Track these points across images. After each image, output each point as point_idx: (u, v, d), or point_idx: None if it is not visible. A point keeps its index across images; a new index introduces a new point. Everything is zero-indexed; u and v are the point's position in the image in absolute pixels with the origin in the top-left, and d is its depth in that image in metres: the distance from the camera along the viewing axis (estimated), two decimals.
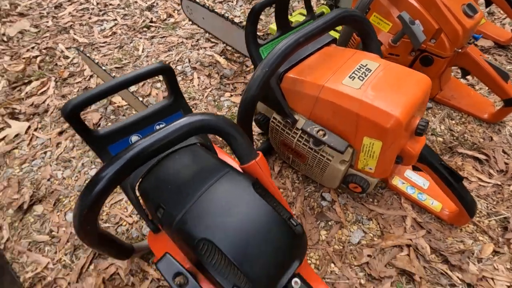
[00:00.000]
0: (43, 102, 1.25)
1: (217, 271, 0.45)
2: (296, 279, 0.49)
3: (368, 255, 0.79)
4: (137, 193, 0.58)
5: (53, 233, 0.88)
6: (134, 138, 0.60)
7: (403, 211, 0.86)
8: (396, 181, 0.90)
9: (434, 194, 0.86)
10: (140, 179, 0.58)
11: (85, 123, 0.55)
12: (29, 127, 1.16)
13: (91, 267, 0.81)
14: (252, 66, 1.21)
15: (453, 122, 1.09)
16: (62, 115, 0.53)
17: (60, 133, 1.13)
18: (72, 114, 0.52)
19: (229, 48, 1.40)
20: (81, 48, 1.48)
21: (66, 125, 1.15)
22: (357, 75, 0.69)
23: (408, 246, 0.79)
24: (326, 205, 0.89)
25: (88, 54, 1.39)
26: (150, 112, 0.62)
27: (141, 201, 0.58)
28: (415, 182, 0.89)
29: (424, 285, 0.73)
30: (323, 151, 0.77)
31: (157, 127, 0.64)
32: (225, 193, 0.50)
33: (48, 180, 1.00)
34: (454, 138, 1.03)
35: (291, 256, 0.49)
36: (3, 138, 1.13)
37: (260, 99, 0.73)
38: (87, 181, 0.99)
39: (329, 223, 0.86)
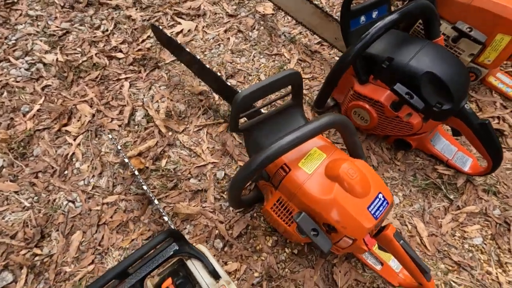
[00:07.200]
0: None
1: (429, 94, 0.85)
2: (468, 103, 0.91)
3: None
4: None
5: None
6: (374, 13, 0.96)
7: (493, 98, 1.25)
8: (491, 79, 1.27)
9: None
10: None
11: None
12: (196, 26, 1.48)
13: None
14: None
15: None
16: None
17: (225, 31, 1.46)
18: None
19: None
20: None
21: (229, 24, 1.47)
22: None
23: (498, 117, 1.20)
24: None
25: None
26: None
27: None
28: (506, 82, 1.26)
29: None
30: (457, 47, 1.12)
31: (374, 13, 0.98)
32: (440, 52, 0.89)
33: (231, 63, 1.36)
34: None
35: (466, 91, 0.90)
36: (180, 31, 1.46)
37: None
38: (260, 65, 1.35)
39: None
